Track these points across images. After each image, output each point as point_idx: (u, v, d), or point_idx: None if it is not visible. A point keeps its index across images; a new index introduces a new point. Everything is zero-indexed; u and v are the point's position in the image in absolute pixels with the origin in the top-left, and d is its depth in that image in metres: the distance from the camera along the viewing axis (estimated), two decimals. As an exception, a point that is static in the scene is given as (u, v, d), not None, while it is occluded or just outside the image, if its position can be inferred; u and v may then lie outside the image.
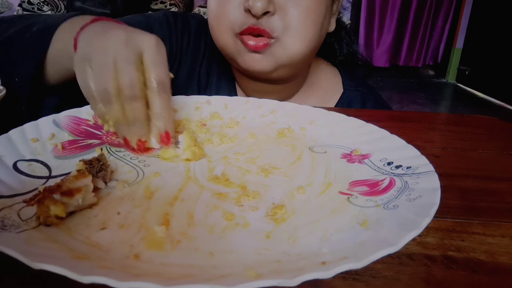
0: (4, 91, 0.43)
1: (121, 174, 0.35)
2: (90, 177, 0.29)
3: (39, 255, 0.21)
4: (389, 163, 0.38)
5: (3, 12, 2.56)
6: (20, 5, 2.44)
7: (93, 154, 0.38)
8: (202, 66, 0.69)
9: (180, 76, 0.67)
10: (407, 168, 0.36)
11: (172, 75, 0.38)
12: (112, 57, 0.35)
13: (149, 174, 0.35)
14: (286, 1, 0.53)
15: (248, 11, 0.52)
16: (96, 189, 0.31)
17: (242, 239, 0.27)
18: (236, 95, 0.68)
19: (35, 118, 0.41)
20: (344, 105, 0.69)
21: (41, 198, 0.26)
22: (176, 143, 0.39)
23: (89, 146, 0.40)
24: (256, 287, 0.20)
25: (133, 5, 2.40)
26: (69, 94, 0.53)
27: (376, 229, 0.27)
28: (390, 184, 0.34)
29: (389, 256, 0.23)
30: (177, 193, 0.32)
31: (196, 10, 2.63)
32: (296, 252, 0.25)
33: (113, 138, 0.42)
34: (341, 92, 0.70)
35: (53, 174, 0.34)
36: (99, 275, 0.19)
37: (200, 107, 0.52)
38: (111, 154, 0.39)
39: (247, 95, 0.67)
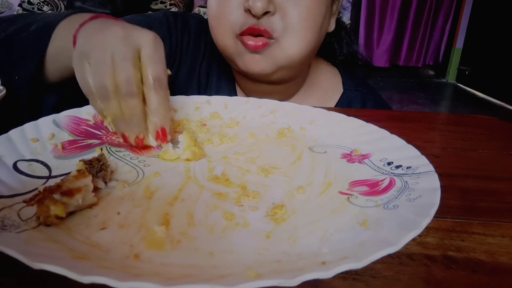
0: (4, 91, 0.43)
1: (121, 174, 0.35)
2: (90, 177, 0.29)
3: (39, 255, 0.21)
4: (389, 163, 0.38)
5: (3, 12, 2.56)
6: (20, 5, 2.45)
7: (93, 154, 0.38)
8: (202, 66, 0.69)
9: (180, 76, 0.67)
10: (407, 168, 0.36)
11: (169, 72, 0.38)
12: (109, 53, 0.35)
13: (149, 174, 0.35)
14: (286, 0, 0.53)
15: (248, 11, 0.52)
16: (96, 189, 0.31)
17: (242, 239, 0.27)
18: (236, 95, 0.68)
19: (35, 118, 0.41)
20: (344, 105, 0.69)
21: (41, 198, 0.26)
22: (176, 143, 0.39)
23: (89, 146, 0.40)
24: (256, 287, 0.20)
25: (133, 5, 2.40)
26: (68, 92, 0.53)
27: (376, 229, 0.27)
28: (390, 184, 0.34)
29: (389, 256, 0.23)
30: (177, 193, 0.32)
31: (196, 10, 2.63)
32: (296, 252, 0.25)
33: (113, 138, 0.42)
34: (341, 92, 0.70)
35: (53, 174, 0.34)
36: (99, 275, 0.19)
37: (200, 107, 0.52)
38: (111, 154, 0.39)
39: (247, 95, 0.67)
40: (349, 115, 0.48)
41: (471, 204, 0.35)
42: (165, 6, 2.55)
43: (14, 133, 0.37)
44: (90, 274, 0.19)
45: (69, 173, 0.30)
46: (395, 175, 0.35)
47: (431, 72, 4.17)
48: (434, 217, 0.26)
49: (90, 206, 0.29)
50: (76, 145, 0.40)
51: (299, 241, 0.27)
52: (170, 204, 0.30)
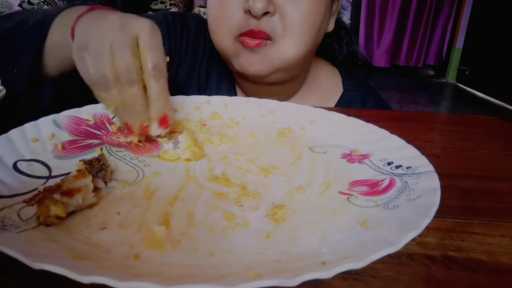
0: (4, 91, 0.43)
1: (121, 174, 0.35)
2: (90, 177, 0.29)
3: (39, 255, 0.21)
4: (389, 163, 0.38)
5: (3, 12, 2.56)
6: (20, 5, 2.45)
7: (93, 154, 0.38)
8: (201, 66, 0.68)
9: (179, 76, 0.67)
10: (407, 168, 0.36)
11: (168, 58, 0.38)
12: (108, 43, 0.35)
13: (149, 174, 0.35)
14: (286, 1, 0.53)
15: (248, 12, 0.52)
16: (96, 189, 0.31)
17: (242, 239, 0.27)
18: (236, 95, 0.68)
19: (35, 117, 0.41)
20: (344, 105, 0.69)
21: (41, 198, 0.26)
22: (176, 143, 0.39)
23: (89, 146, 0.40)
24: (256, 287, 0.20)
25: (133, 5, 2.40)
26: (66, 84, 0.53)
27: (376, 229, 0.27)
28: (390, 184, 0.34)
29: (389, 256, 0.23)
30: (177, 193, 0.32)
31: (196, 10, 2.63)
32: (296, 252, 0.25)
33: (113, 138, 0.42)
34: (341, 92, 0.70)
35: (53, 174, 0.34)
36: (99, 275, 0.19)
37: (200, 107, 0.52)
38: (111, 154, 0.39)
39: (247, 95, 0.67)
40: (349, 115, 0.48)
41: (471, 204, 0.35)
42: (165, 6, 2.55)
43: (14, 133, 0.37)
44: (90, 274, 0.19)
45: (69, 173, 0.30)
46: (395, 175, 0.35)
47: (431, 72, 4.17)
48: (434, 217, 0.26)
49: (90, 206, 0.29)
50: (76, 145, 0.40)
51: (299, 241, 0.27)
52: (170, 204, 0.30)
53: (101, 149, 0.39)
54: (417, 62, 4.02)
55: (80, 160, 0.32)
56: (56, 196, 0.27)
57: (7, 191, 0.29)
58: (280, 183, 0.35)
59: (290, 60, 0.56)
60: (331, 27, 0.63)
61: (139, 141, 0.41)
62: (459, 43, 3.92)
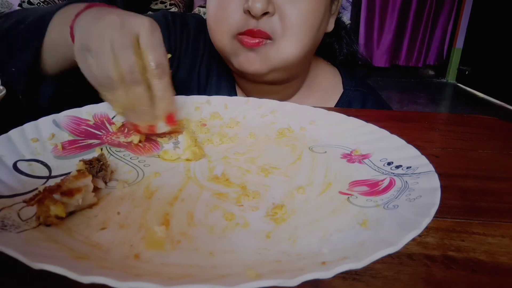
0: (4, 91, 0.43)
1: (121, 174, 0.35)
2: (90, 177, 0.29)
3: (39, 255, 0.21)
4: (389, 163, 0.38)
5: (3, 12, 2.56)
6: (20, 5, 2.45)
7: (93, 154, 0.38)
8: (201, 66, 0.68)
9: (179, 76, 0.67)
10: (407, 168, 0.36)
11: (170, 55, 0.38)
12: (109, 43, 0.35)
13: (149, 174, 0.35)
14: (285, 1, 0.53)
15: (247, 12, 0.52)
16: (96, 189, 0.31)
17: (242, 239, 0.27)
18: (236, 95, 0.68)
19: (35, 117, 0.41)
20: (344, 105, 0.69)
21: (41, 198, 0.26)
22: (176, 143, 0.39)
23: (89, 146, 0.40)
24: (256, 287, 0.20)
25: (133, 5, 2.40)
26: (65, 82, 0.53)
27: (376, 229, 0.27)
28: (390, 184, 0.34)
29: (389, 256, 0.23)
30: (177, 193, 0.32)
31: (196, 10, 2.63)
32: (296, 252, 0.25)
33: (113, 138, 0.42)
34: (341, 92, 0.70)
35: (53, 174, 0.34)
36: (99, 275, 0.19)
37: (200, 107, 0.52)
38: (111, 154, 0.39)
39: (247, 95, 0.67)
40: (349, 115, 0.48)
41: (471, 204, 0.35)
42: (165, 6, 2.55)
43: (14, 133, 0.37)
44: (90, 274, 0.19)
45: (69, 173, 0.30)
46: (395, 175, 0.35)
47: (431, 72, 4.17)
48: (434, 217, 0.26)
49: (90, 206, 0.29)
50: (76, 145, 0.40)
51: (299, 241, 0.27)
52: (170, 204, 0.30)
53: (101, 149, 0.39)
54: (417, 62, 4.02)
55: (80, 160, 0.32)
56: (56, 196, 0.27)
57: (7, 191, 0.29)
58: (280, 183, 0.35)
59: (289, 60, 0.56)
60: (331, 27, 0.63)
61: (139, 141, 0.41)
62: (459, 43, 3.92)
